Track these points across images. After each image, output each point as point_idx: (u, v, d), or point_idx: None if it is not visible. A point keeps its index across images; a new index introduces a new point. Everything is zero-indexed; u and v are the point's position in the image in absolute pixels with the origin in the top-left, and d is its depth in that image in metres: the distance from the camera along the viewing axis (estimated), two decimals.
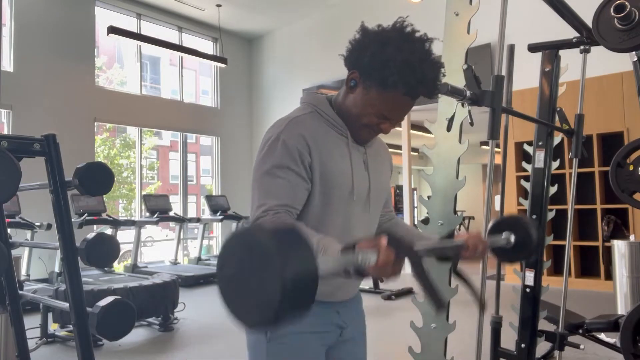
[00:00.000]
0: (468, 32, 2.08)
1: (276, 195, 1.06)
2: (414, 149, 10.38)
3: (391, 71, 1.03)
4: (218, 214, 7.93)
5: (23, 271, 6.04)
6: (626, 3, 1.49)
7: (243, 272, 0.68)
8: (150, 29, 8.57)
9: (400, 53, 1.03)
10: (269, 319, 0.65)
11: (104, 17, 8.03)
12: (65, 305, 1.88)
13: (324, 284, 1.13)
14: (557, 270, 6.08)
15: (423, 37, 1.08)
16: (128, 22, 8.26)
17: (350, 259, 0.82)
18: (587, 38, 1.99)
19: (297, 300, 0.66)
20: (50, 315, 3.88)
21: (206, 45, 9.53)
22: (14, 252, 2.29)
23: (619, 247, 4.45)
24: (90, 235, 1.89)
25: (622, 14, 1.50)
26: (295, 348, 1.13)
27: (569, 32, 2.06)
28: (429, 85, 1.07)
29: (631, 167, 1.71)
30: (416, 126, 8.24)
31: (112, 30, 6.80)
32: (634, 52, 2.04)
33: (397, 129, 8.42)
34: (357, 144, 1.19)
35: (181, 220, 7.47)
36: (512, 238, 1.19)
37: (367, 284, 5.80)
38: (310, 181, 1.10)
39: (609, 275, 5.19)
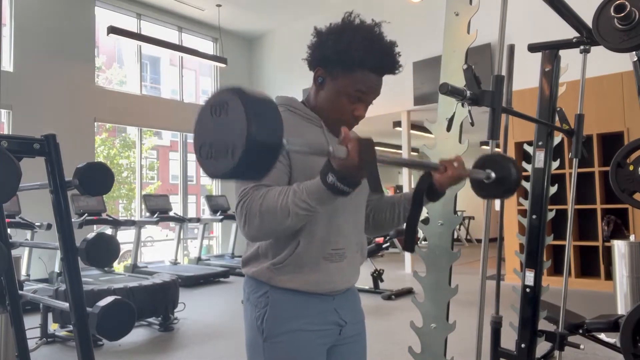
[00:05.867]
0: (468, 32, 2.08)
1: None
2: (414, 149, 10.38)
3: (355, 49, 1.11)
4: (218, 214, 7.93)
5: (23, 271, 6.04)
6: (626, 3, 1.49)
7: (214, 126, 0.75)
8: (150, 29, 8.57)
9: (358, 33, 1.13)
10: (234, 166, 0.71)
11: (104, 17, 8.03)
12: (65, 305, 1.88)
13: (315, 271, 1.13)
14: (557, 270, 6.09)
15: (372, 24, 1.17)
16: (128, 22, 8.26)
17: (324, 148, 0.88)
18: (587, 38, 1.99)
19: (260, 153, 0.72)
20: (50, 315, 3.88)
21: (206, 45, 9.53)
22: (14, 252, 2.29)
23: (619, 247, 4.45)
24: (90, 235, 1.89)
25: (622, 14, 1.50)
26: (292, 346, 1.13)
27: (569, 32, 2.06)
28: (390, 57, 1.15)
29: (631, 167, 1.71)
30: (416, 126, 8.25)
31: (112, 30, 6.81)
32: (634, 52, 2.04)
33: (397, 128, 8.43)
34: (334, 136, 1.22)
35: (181, 220, 7.47)
36: (493, 175, 1.21)
37: (367, 284, 5.80)
38: (289, 167, 1.11)
39: (609, 275, 5.19)
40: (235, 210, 1.08)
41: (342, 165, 0.90)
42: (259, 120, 0.71)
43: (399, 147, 8.20)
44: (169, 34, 8.92)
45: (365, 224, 1.31)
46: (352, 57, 1.11)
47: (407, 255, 7.61)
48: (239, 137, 0.70)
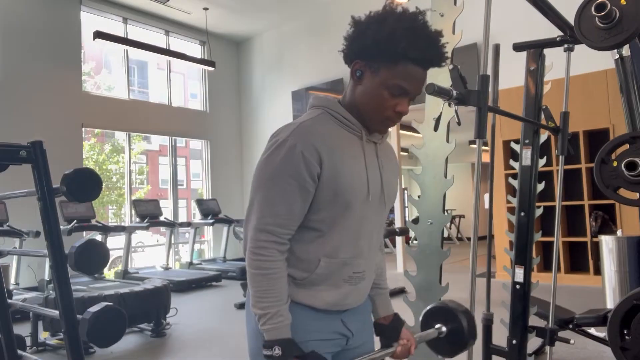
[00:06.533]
0: (453, 33, 2.10)
1: (276, 207, 1.05)
2: (404, 149, 10.42)
3: (398, 40, 1.01)
4: (209, 217, 7.90)
5: (12, 279, 5.97)
6: (606, 2, 1.52)
7: None
8: (137, 33, 8.52)
9: (401, 22, 1.03)
10: None
11: (90, 22, 7.97)
12: (56, 313, 1.86)
13: (333, 292, 1.11)
14: (546, 266, 6.15)
15: (416, 11, 1.07)
16: (114, 27, 8.20)
17: None
18: (570, 37, 2.02)
19: None
20: (40, 324, 3.83)
21: (194, 49, 9.49)
22: (3, 261, 2.27)
23: (607, 242, 4.50)
24: (79, 242, 1.88)
25: (603, 13, 1.53)
26: None
27: (554, 31, 2.09)
28: (437, 49, 1.06)
29: (615, 163, 1.73)
30: (405, 126, 8.29)
31: (99, 35, 6.75)
32: (615, 50, 2.07)
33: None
34: (371, 141, 1.16)
35: (172, 224, 7.43)
36: (444, 328, 1.21)
37: None
38: (315, 190, 1.07)
39: (598, 270, 5.25)
40: (246, 233, 1.10)
41: None
42: None
43: None
44: (156, 38, 8.87)
45: None
46: (395, 48, 1.01)
47: (400, 254, 7.63)
48: None
